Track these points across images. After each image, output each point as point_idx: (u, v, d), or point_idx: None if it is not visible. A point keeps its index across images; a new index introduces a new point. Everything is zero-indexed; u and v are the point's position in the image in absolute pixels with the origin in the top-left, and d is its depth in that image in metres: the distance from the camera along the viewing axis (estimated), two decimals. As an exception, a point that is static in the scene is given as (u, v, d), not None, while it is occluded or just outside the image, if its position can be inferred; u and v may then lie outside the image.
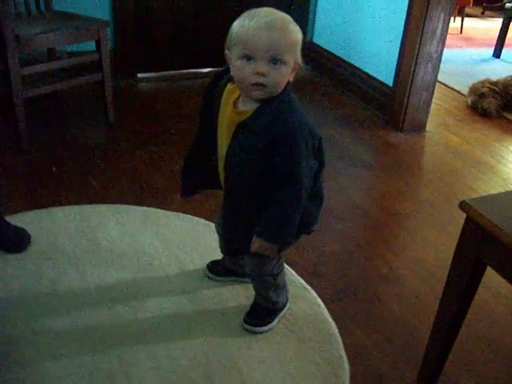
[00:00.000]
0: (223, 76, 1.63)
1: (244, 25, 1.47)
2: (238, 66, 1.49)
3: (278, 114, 1.52)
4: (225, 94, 1.62)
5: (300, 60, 1.53)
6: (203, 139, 1.73)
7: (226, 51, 1.54)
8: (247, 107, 1.56)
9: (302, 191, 1.56)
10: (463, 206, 1.35)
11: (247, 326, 1.90)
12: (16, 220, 2.26)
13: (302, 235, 1.77)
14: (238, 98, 1.59)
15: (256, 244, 1.63)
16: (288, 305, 2.00)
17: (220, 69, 1.65)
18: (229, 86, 1.62)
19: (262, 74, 1.47)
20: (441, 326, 1.55)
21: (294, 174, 1.54)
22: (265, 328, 1.91)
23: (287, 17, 1.50)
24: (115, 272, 2.12)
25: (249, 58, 1.47)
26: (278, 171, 1.54)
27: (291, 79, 1.55)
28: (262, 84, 1.48)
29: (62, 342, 1.79)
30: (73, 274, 2.09)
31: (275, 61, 1.47)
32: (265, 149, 1.52)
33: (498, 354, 1.95)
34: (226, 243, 1.97)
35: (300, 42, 1.51)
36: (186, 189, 1.87)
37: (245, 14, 1.49)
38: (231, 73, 1.55)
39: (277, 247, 1.64)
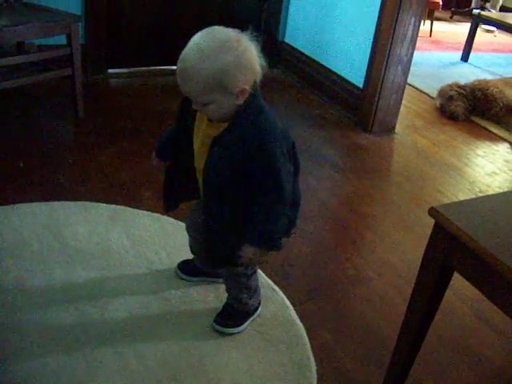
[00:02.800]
0: None
1: None
2: None
3: (250, 125, 1.53)
4: None
5: (240, 86, 1.50)
6: (180, 155, 1.73)
7: None
8: (222, 123, 1.57)
9: (284, 195, 1.57)
10: (432, 212, 1.37)
11: (217, 327, 1.90)
12: (-18, 216, 2.23)
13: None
14: None
15: (249, 252, 1.62)
16: (260, 309, 2.00)
17: None
18: None
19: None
20: (408, 329, 1.57)
21: (276, 181, 1.54)
22: (235, 330, 1.91)
23: (206, 49, 1.48)
24: (82, 270, 2.10)
25: None
26: (259, 180, 1.54)
27: (239, 102, 1.53)
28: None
29: (26, 342, 1.77)
30: (39, 272, 2.06)
31: (199, 102, 1.52)
32: (241, 161, 1.53)
33: (464, 357, 1.98)
34: (206, 251, 1.81)
35: (230, 72, 1.48)
36: (170, 204, 1.87)
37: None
38: None
39: (266, 252, 1.65)
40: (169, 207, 1.88)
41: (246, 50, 1.51)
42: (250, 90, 1.53)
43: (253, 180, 1.55)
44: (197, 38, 1.51)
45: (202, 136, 1.63)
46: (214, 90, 1.49)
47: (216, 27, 1.54)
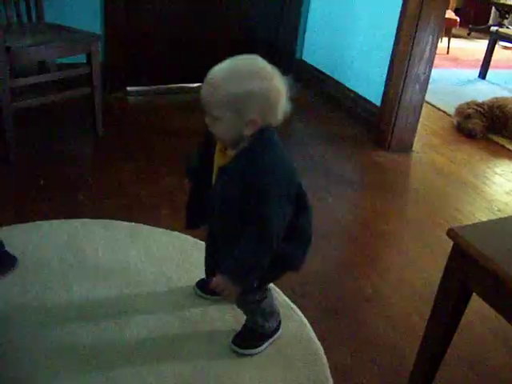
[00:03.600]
0: None
1: None
2: None
3: (250, 160, 1.54)
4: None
5: (253, 116, 1.51)
6: (203, 177, 1.74)
7: None
8: (231, 152, 1.60)
9: (271, 236, 1.56)
10: (451, 233, 1.37)
11: (235, 347, 1.90)
12: (3, 234, 2.25)
13: (285, 273, 1.83)
14: None
15: (217, 280, 1.61)
16: (280, 330, 1.99)
17: None
18: None
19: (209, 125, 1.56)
20: (426, 350, 1.57)
21: (264, 218, 1.54)
22: (253, 351, 1.90)
23: (238, 71, 1.51)
24: (102, 288, 2.12)
25: None
26: (249, 214, 1.55)
27: (247, 133, 1.54)
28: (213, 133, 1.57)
29: (47, 360, 1.78)
30: (59, 290, 2.08)
31: (210, 115, 1.54)
32: (239, 193, 1.55)
33: (482, 376, 1.97)
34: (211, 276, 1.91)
35: (247, 99, 1.49)
36: (189, 222, 1.88)
37: None
38: None
39: (237, 288, 1.62)
40: (188, 225, 1.89)
41: (276, 88, 1.53)
42: (261, 126, 1.54)
43: (245, 214, 1.56)
44: (238, 58, 1.54)
45: (216, 164, 1.66)
46: (228, 108, 1.50)
47: (259, 58, 1.55)
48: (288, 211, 1.60)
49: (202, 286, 2.13)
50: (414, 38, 3.43)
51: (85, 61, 3.16)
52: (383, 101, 3.72)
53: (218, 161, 1.65)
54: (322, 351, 1.96)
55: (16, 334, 1.87)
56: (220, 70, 1.52)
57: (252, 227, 1.56)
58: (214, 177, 1.67)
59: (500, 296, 1.32)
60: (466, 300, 1.46)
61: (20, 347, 1.82)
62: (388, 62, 3.63)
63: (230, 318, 2.04)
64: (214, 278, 1.63)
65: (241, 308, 1.92)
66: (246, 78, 1.50)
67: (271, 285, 2.14)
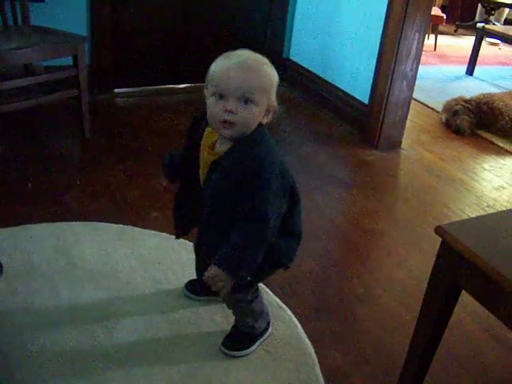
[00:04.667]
0: (202, 119, 1.64)
1: (218, 64, 1.53)
2: (210, 103, 1.54)
3: (249, 152, 1.53)
4: (204, 138, 1.65)
5: (275, 103, 1.57)
6: (189, 180, 1.73)
7: (205, 89, 1.59)
8: (223, 148, 1.58)
9: (266, 229, 1.56)
10: (439, 230, 1.37)
11: (225, 350, 1.89)
12: (-10, 238, 2.24)
13: (276, 270, 1.82)
14: (216, 141, 1.62)
15: (211, 271, 1.60)
16: (270, 330, 1.98)
17: (198, 114, 1.67)
18: (207, 129, 1.65)
19: (231, 112, 1.50)
20: (416, 348, 1.56)
21: (261, 212, 1.54)
22: (243, 352, 1.89)
23: (262, 59, 1.55)
24: (91, 291, 2.11)
25: (221, 96, 1.51)
26: (245, 206, 1.54)
27: (265, 121, 1.57)
28: (230, 122, 1.51)
29: (35, 364, 1.77)
30: (47, 293, 2.07)
31: (246, 100, 1.50)
32: (236, 186, 1.53)
33: (472, 373, 1.97)
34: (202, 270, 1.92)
35: (275, 85, 1.55)
36: (180, 230, 1.87)
37: (224, 54, 1.55)
38: (207, 111, 1.57)
39: (232, 280, 1.61)
40: (179, 233, 1.88)
41: None
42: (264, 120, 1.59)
43: (242, 207, 1.55)
44: (241, 50, 1.56)
45: (203, 164, 1.64)
46: (264, 93, 1.53)
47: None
48: (283, 205, 1.61)
49: (192, 287, 2.12)
50: (401, 35, 3.43)
51: (71, 63, 3.14)
52: (371, 99, 3.72)
53: (208, 157, 1.62)
54: (313, 351, 1.96)
55: (3, 338, 1.85)
56: (248, 56, 1.54)
57: (249, 221, 1.55)
58: (202, 174, 1.66)
59: (489, 293, 1.31)
60: (455, 297, 1.46)
61: (7, 351, 1.80)
62: (375, 60, 3.63)
63: (219, 319, 2.03)
64: (208, 270, 1.61)
65: (231, 308, 1.91)
66: (270, 65, 1.55)
67: (260, 284, 2.14)
